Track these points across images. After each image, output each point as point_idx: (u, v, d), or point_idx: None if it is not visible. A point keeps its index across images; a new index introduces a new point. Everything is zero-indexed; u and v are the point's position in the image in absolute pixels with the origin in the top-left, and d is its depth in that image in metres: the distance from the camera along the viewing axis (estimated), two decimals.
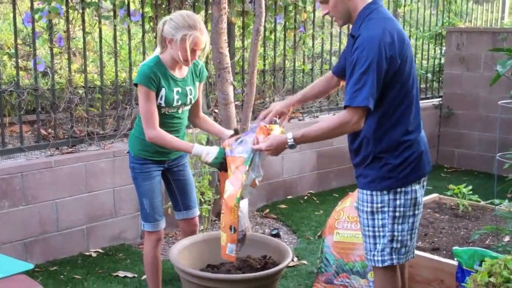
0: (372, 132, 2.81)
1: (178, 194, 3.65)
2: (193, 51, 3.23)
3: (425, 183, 2.99)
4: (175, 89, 3.33)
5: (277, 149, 2.95)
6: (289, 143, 2.88)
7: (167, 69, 3.31)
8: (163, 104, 3.30)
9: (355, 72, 2.70)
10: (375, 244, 2.90)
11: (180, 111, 3.41)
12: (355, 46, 2.74)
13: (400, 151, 2.84)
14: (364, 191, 2.90)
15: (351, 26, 2.91)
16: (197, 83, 3.48)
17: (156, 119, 3.26)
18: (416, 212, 2.91)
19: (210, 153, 3.23)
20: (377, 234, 2.89)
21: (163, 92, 3.27)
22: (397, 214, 2.86)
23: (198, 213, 3.75)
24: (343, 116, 2.75)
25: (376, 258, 2.91)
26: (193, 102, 3.46)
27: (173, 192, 3.66)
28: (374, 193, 2.86)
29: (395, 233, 2.87)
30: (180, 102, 3.37)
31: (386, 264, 2.90)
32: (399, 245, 2.89)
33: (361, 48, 2.70)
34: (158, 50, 3.37)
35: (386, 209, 2.85)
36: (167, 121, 3.38)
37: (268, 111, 3.25)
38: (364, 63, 2.67)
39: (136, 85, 3.29)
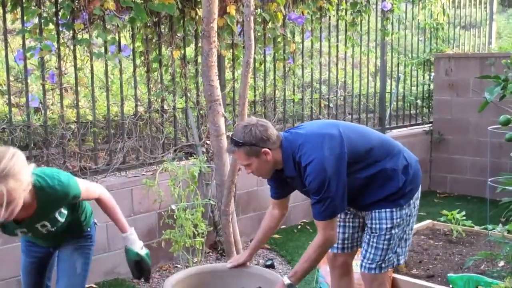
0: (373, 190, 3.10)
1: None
2: None
3: None
4: (19, 230, 2.84)
5: None
6: (287, 283, 3.03)
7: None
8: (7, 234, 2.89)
9: (317, 194, 2.93)
10: (385, 255, 3.14)
11: (45, 231, 2.87)
12: (307, 174, 2.93)
13: (403, 175, 3.11)
14: (383, 210, 3.10)
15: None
16: (60, 210, 2.82)
17: None
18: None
19: None
20: (391, 246, 3.14)
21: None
22: (410, 224, 3.21)
23: None
24: (321, 236, 3.00)
25: (383, 265, 3.15)
26: (59, 225, 2.87)
27: None
28: (394, 209, 3.09)
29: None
30: (30, 234, 2.91)
31: (388, 268, 3.21)
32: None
33: (314, 174, 2.91)
34: None
35: (402, 222, 3.12)
36: (31, 239, 3.06)
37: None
38: (323, 186, 2.89)
39: None
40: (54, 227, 2.85)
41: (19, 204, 2.51)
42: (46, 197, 2.68)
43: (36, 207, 2.69)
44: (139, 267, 3.13)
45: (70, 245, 3.06)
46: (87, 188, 2.94)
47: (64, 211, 2.84)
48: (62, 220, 2.84)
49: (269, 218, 3.42)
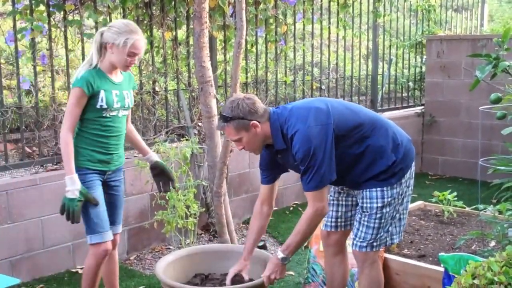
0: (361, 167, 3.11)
1: (108, 208, 3.53)
2: (134, 55, 3.33)
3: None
4: (114, 92, 3.40)
5: (282, 270, 3.17)
6: (280, 257, 3.12)
7: (106, 73, 3.38)
8: (104, 106, 3.33)
9: (303, 164, 2.97)
10: (377, 234, 3.15)
11: (120, 114, 3.46)
12: (293, 144, 2.98)
13: (393, 154, 3.12)
14: (374, 189, 3.11)
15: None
16: (131, 90, 3.57)
17: (75, 123, 3.30)
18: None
19: (74, 190, 3.25)
20: (383, 225, 3.15)
21: (102, 94, 3.32)
22: (404, 204, 3.23)
23: (119, 231, 3.70)
24: (310, 207, 3.06)
25: (375, 244, 3.17)
26: (130, 106, 3.54)
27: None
28: (385, 188, 3.10)
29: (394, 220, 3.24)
30: (119, 105, 3.42)
31: (381, 247, 3.23)
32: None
33: (299, 143, 2.94)
34: (90, 60, 3.37)
35: (393, 201, 3.13)
36: (110, 125, 3.42)
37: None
38: (308, 155, 2.93)
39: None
40: (131, 103, 3.52)
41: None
42: (125, 74, 3.51)
43: (123, 77, 3.49)
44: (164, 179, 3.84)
45: (118, 179, 3.62)
46: None
47: (131, 97, 3.53)
48: (129, 100, 3.51)
49: (259, 217, 3.43)
